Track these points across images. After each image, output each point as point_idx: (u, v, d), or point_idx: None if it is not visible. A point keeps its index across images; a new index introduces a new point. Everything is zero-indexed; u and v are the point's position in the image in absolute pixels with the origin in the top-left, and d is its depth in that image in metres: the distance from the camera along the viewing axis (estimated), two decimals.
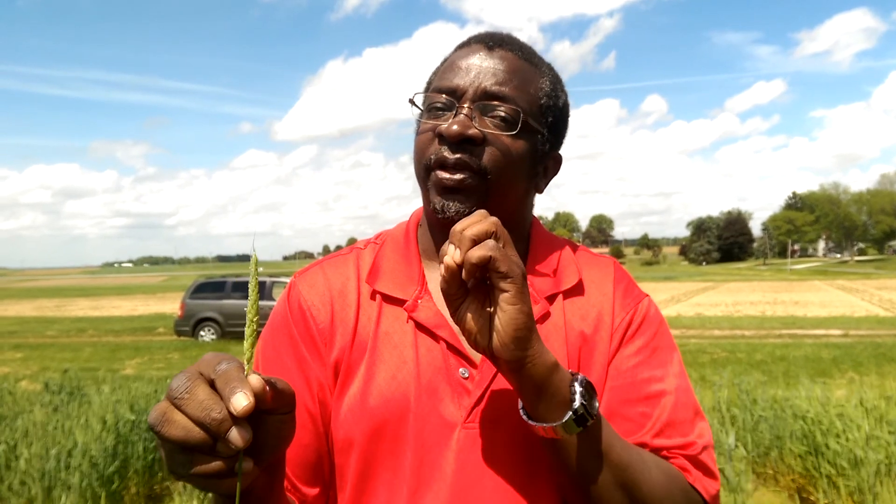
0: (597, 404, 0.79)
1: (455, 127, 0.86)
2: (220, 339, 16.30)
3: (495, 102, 0.88)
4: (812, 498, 4.62)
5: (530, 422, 0.78)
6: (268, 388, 0.56)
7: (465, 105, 0.88)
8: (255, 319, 0.60)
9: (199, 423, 0.54)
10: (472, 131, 0.86)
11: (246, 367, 0.57)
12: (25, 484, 4.34)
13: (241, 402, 0.53)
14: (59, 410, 5.54)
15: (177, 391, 0.55)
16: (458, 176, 0.87)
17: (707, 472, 0.89)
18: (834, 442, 4.68)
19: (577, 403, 0.76)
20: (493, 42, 0.92)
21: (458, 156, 0.87)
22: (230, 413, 0.53)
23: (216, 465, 0.55)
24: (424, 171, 0.90)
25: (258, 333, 0.61)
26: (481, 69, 0.90)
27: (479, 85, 0.89)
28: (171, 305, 28.96)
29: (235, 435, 0.53)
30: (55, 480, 4.35)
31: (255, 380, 0.55)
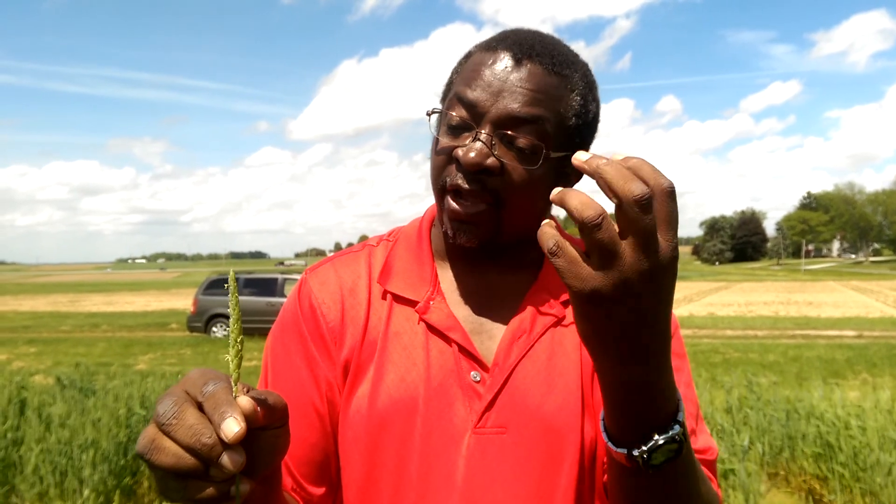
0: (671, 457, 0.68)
1: (472, 155, 0.81)
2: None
3: (517, 131, 0.82)
4: (825, 500, 4.59)
5: (608, 441, 0.70)
6: (259, 407, 0.54)
7: (485, 130, 0.82)
8: (239, 340, 0.58)
9: (189, 450, 0.52)
10: (489, 161, 0.82)
11: (234, 388, 0.55)
12: (38, 476, 4.39)
13: (231, 428, 0.51)
14: (72, 405, 5.58)
15: (164, 417, 0.53)
16: (470, 209, 0.84)
17: (716, 480, 0.88)
18: (847, 443, 4.64)
19: (676, 429, 0.66)
20: (521, 52, 0.84)
21: (472, 187, 0.83)
22: (221, 438, 0.52)
23: (210, 490, 0.54)
24: (440, 192, 0.87)
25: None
26: (506, 85, 0.83)
27: (503, 106, 0.82)
28: (184, 302, 29.13)
29: (227, 460, 0.52)
30: (68, 473, 4.39)
31: (245, 402, 0.53)
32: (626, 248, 0.57)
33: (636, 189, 0.55)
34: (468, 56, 0.91)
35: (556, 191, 0.59)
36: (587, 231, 0.56)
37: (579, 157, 0.60)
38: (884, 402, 5.43)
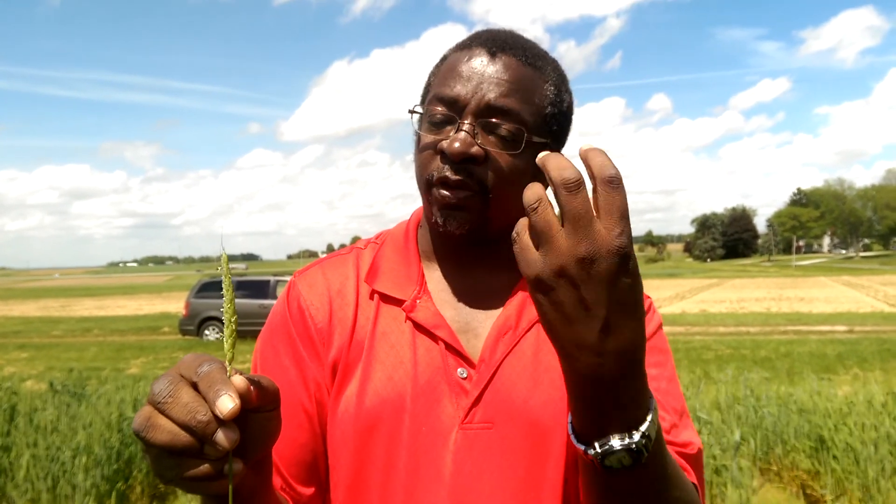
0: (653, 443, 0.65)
1: (457, 145, 0.83)
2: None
3: (498, 119, 0.85)
4: (816, 494, 4.61)
5: (571, 434, 0.68)
6: (252, 387, 0.55)
7: (467, 121, 0.85)
8: (233, 319, 0.59)
9: (184, 427, 0.53)
10: (473, 149, 0.84)
11: (228, 368, 0.56)
12: (30, 482, 4.36)
13: (226, 404, 0.52)
14: (64, 410, 5.56)
15: (160, 395, 0.54)
16: (459, 195, 0.85)
17: (700, 474, 0.89)
18: (839, 438, 4.67)
19: (636, 437, 0.63)
20: (495, 46, 0.88)
21: (459, 177, 0.85)
22: (215, 415, 0.53)
23: (205, 468, 0.55)
24: (426, 186, 0.89)
25: (237, 333, 0.59)
26: (483, 77, 0.86)
27: (482, 97, 0.85)
28: (176, 305, 29.03)
29: (222, 437, 0.53)
30: (60, 479, 4.37)
31: (239, 380, 0.54)
32: (561, 232, 0.58)
33: (566, 173, 0.57)
34: (443, 59, 0.94)
35: (542, 155, 0.61)
36: (528, 213, 0.60)
37: (540, 156, 0.62)
38: (875, 397, 5.47)
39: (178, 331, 17.80)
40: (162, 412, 0.54)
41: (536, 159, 0.62)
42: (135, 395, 6.30)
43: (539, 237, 0.59)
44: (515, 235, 0.61)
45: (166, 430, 0.54)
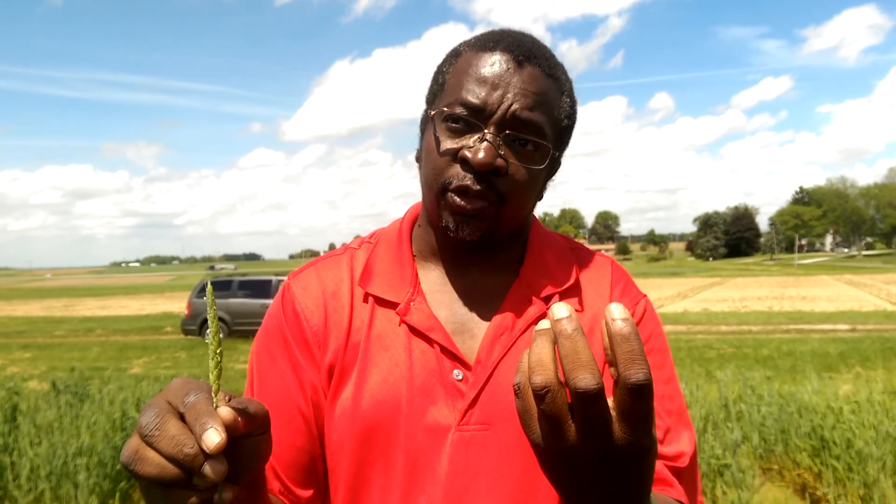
0: None
1: (481, 155, 0.82)
2: (226, 338, 16.24)
3: (522, 132, 0.84)
4: (818, 493, 4.61)
5: None
6: (239, 417, 0.55)
7: (491, 130, 0.84)
8: (218, 351, 0.59)
9: (171, 460, 0.53)
10: (499, 161, 0.83)
11: (215, 398, 0.56)
12: (33, 481, 4.37)
13: (212, 439, 0.52)
14: (67, 409, 5.57)
15: (147, 428, 0.54)
16: (477, 205, 0.85)
17: (692, 483, 0.89)
18: (840, 437, 4.67)
19: None
20: (521, 55, 0.86)
21: (480, 187, 0.84)
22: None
23: (193, 499, 0.55)
24: (441, 190, 0.87)
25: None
26: (509, 87, 0.84)
27: (508, 107, 0.83)
28: (178, 305, 29.04)
29: (209, 470, 0.53)
30: (63, 478, 4.38)
31: (226, 412, 0.54)
32: (571, 427, 0.54)
33: (580, 382, 0.51)
34: (457, 55, 0.91)
35: (540, 326, 0.56)
36: (534, 396, 0.54)
37: (554, 313, 0.54)
38: (877, 395, 5.47)
39: (180, 331, 17.76)
40: (149, 444, 0.54)
41: (557, 331, 0.53)
42: (137, 395, 6.31)
43: (547, 422, 0.54)
44: (517, 389, 0.56)
45: (154, 463, 0.54)
